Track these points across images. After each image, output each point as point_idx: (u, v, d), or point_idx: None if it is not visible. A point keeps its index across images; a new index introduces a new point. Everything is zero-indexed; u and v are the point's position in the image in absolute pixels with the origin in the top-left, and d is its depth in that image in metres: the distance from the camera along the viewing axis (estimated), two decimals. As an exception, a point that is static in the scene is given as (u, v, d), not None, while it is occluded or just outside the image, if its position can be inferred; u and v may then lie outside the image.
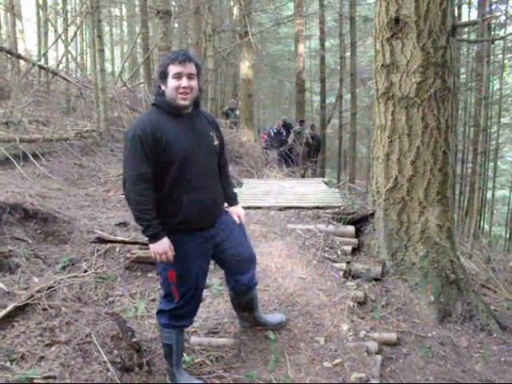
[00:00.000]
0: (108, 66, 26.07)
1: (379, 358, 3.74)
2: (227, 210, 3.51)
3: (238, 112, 16.09)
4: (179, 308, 3.21)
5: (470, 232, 9.01)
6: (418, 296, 4.58)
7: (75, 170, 7.63)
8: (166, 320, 3.26)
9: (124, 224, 5.69)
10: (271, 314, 4.04)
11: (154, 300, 4.52)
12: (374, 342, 3.91)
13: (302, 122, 14.81)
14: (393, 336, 4.03)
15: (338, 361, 3.67)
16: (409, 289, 4.67)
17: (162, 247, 2.95)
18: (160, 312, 3.31)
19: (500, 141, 19.80)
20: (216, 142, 3.22)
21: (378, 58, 5.01)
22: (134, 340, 3.61)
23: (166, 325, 3.28)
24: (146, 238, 3.01)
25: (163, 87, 3.00)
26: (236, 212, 3.50)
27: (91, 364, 3.16)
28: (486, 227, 17.42)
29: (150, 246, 2.98)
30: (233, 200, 3.56)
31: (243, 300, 3.68)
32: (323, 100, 19.97)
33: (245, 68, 15.41)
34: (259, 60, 21.85)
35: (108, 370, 3.17)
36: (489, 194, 18.72)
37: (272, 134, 13.88)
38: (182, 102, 2.97)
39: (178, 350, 3.36)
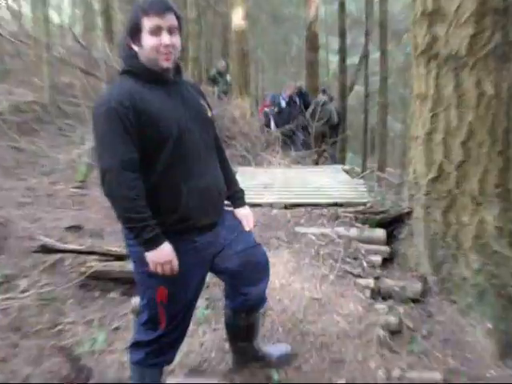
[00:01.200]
0: (53, 15, 25.99)
1: (419, 404, 3.76)
2: (231, 210, 3.52)
3: (228, 77, 16.01)
4: (164, 336, 3.18)
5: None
6: (470, 322, 4.56)
7: (10, 156, 7.62)
8: (142, 355, 3.23)
9: (77, 227, 5.70)
10: (273, 345, 4.06)
11: (117, 329, 4.54)
12: (411, 384, 3.92)
13: (325, 92, 14.47)
14: (437, 376, 4.03)
15: (363, 408, 3.70)
16: (458, 313, 4.66)
17: (165, 255, 2.88)
18: (135, 345, 3.27)
19: None
20: (210, 113, 3.24)
21: (416, 2, 4.99)
22: (90, 382, 3.62)
23: (141, 362, 3.25)
24: (141, 245, 2.89)
25: (135, 47, 2.96)
26: (245, 215, 3.52)
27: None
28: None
29: (148, 254, 2.87)
30: (238, 197, 3.59)
31: (245, 323, 3.65)
32: (343, 60, 19.90)
33: (238, 18, 15.33)
34: (257, 7, 21.77)
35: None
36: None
37: (281, 103, 13.27)
38: (165, 64, 2.93)
39: None
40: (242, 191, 3.62)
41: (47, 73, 9.34)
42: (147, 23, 2.85)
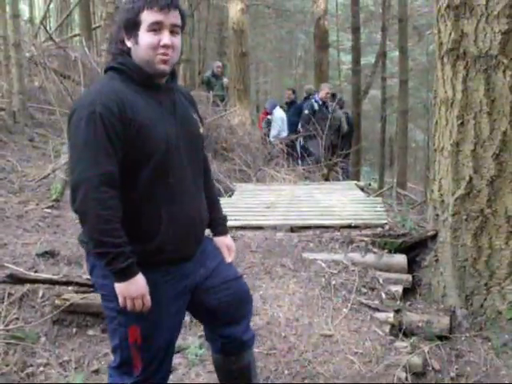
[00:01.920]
0: (24, 10, 26.11)
1: None
2: (212, 238, 3.45)
3: (225, 80, 15.99)
4: (141, 383, 3.10)
5: None
6: (507, 364, 4.53)
7: (-27, 171, 7.62)
8: None
9: (51, 254, 5.66)
10: None
11: (97, 371, 4.51)
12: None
13: (334, 97, 14.43)
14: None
15: None
16: (492, 352, 4.63)
17: (138, 288, 2.78)
18: None
19: None
20: (202, 129, 3.19)
21: (441, -6, 5.00)
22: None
23: None
24: (113, 275, 2.78)
25: (129, 43, 2.89)
26: (226, 244, 3.44)
27: None
28: None
29: (119, 286, 2.77)
30: (221, 225, 3.50)
31: (236, 366, 3.52)
32: (357, 60, 19.86)
33: (236, 12, 15.36)
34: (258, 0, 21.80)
35: None
36: None
37: (314, 105, 12.55)
38: (161, 67, 2.86)
39: None
40: (224, 218, 3.53)
41: (16, 75, 9.33)
42: (148, 18, 2.77)
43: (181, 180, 2.95)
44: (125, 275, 2.75)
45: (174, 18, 2.83)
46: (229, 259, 3.38)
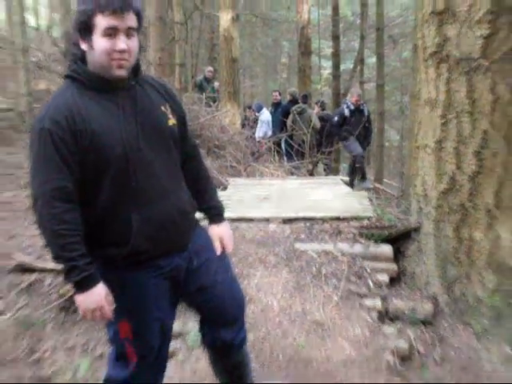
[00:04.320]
0: (31, 19, 25.88)
1: None
2: (205, 228, 3.19)
3: (216, 84, 15.91)
4: (137, 376, 2.92)
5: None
6: (487, 347, 4.42)
7: (-17, 167, 7.44)
8: None
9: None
10: None
11: (101, 356, 4.38)
12: (426, 415, 3.78)
13: (305, 98, 14.48)
14: (454, 411, 3.90)
15: None
16: (474, 337, 4.52)
17: (95, 300, 2.59)
18: (108, 382, 3.03)
19: None
20: (172, 121, 2.86)
21: (425, 1, 4.87)
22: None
23: None
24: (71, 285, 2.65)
25: (84, 46, 2.59)
26: (219, 234, 3.15)
27: None
28: None
29: (77, 297, 2.58)
30: (215, 213, 3.21)
31: (227, 364, 3.31)
32: (337, 66, 19.84)
33: (226, 21, 15.19)
34: (246, 9, 21.69)
35: None
36: None
37: (345, 111, 11.32)
38: (117, 73, 2.62)
39: None
40: (217, 206, 3.21)
41: (24, 79, 9.16)
42: (101, 22, 2.50)
43: (148, 180, 2.71)
44: (80, 287, 2.56)
45: (129, 20, 2.55)
46: (218, 251, 3.09)
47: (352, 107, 10.95)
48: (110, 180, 2.60)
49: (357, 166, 10.59)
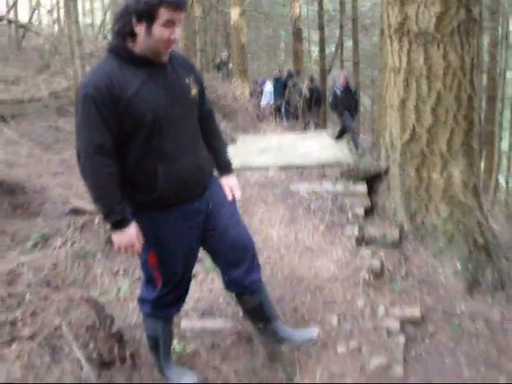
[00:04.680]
0: (87, 20, 25.32)
1: (402, 339, 3.36)
2: (218, 180, 2.92)
3: (230, 65, 15.63)
4: (163, 296, 2.75)
5: (490, 187, 8.57)
6: (442, 264, 4.16)
7: (50, 134, 7.15)
8: (149, 309, 2.82)
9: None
10: (300, 330, 3.24)
11: (139, 278, 4.14)
12: (394, 320, 3.52)
13: (298, 74, 14.76)
14: (416, 312, 3.63)
15: (354, 344, 3.30)
16: (431, 256, 4.24)
17: (128, 238, 2.46)
18: (141, 301, 2.87)
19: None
20: (194, 91, 2.62)
21: (389, -14, 4.48)
22: (114, 329, 3.21)
23: (149, 314, 2.85)
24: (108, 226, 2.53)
25: (139, 30, 2.33)
26: (228, 184, 2.89)
27: (61, 362, 2.79)
28: (501, 181, 16.83)
29: (113, 235, 2.48)
30: (224, 167, 2.95)
31: (250, 305, 2.99)
32: (322, 49, 19.36)
33: (235, 15, 14.77)
34: (251, 7, 21.14)
35: (82, 367, 2.79)
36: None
37: (336, 92, 10.93)
38: (165, 57, 2.44)
39: (165, 342, 2.95)
40: (228, 161, 2.96)
41: (79, 65, 8.79)
42: (164, 15, 2.29)
43: (173, 140, 2.51)
44: (115, 228, 2.45)
45: (181, 15, 2.37)
46: (229, 197, 2.85)
47: (341, 89, 10.73)
48: (142, 140, 2.42)
49: (350, 135, 10.61)
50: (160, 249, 2.61)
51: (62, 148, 6.76)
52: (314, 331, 3.14)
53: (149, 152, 2.45)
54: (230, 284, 2.89)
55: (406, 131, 4.52)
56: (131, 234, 2.46)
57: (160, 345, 2.93)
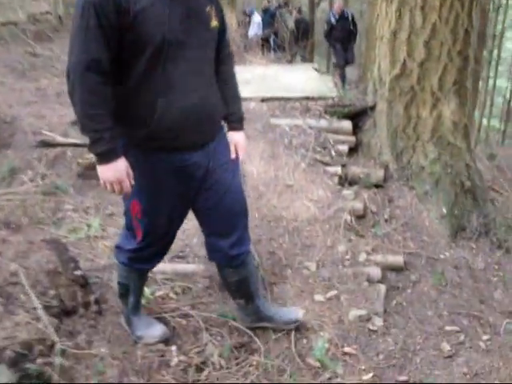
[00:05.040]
0: None
1: (383, 288, 3.07)
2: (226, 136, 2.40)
3: (220, -5, 14.80)
4: (142, 249, 2.32)
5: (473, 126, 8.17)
6: (427, 207, 3.84)
7: (26, 60, 6.56)
8: (124, 259, 2.41)
9: (78, 123, 4.78)
10: (284, 308, 2.85)
11: (111, 215, 3.81)
12: (376, 267, 3.21)
13: (286, 5, 13.77)
14: (399, 259, 3.32)
15: (332, 293, 3.01)
16: (416, 198, 3.91)
17: (116, 173, 1.98)
18: (118, 248, 2.44)
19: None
20: (214, 23, 2.14)
21: None
22: (77, 273, 2.84)
23: (124, 264, 2.44)
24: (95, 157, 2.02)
25: None
26: (235, 141, 2.37)
27: (15, 313, 2.42)
28: (483, 120, 16.40)
29: (99, 168, 2.00)
30: (235, 121, 2.40)
31: (233, 278, 2.51)
32: (312, -20, 18.31)
33: None
34: None
35: (39, 318, 2.44)
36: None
37: (331, 20, 9.94)
38: None
39: (136, 291, 2.56)
40: (241, 115, 2.43)
41: (61, -13, 8.08)
42: None
43: (181, 72, 2.02)
44: (103, 159, 1.96)
45: None
46: (233, 155, 2.33)
47: (337, 16, 9.73)
48: (144, 65, 1.96)
49: (337, 71, 9.82)
50: (145, 198, 2.16)
51: (38, 75, 6.20)
52: (298, 312, 2.74)
53: (151, 80, 1.99)
54: (213, 253, 2.43)
55: (396, 65, 4.11)
56: (120, 168, 1.99)
57: (130, 293, 2.55)
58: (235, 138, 2.37)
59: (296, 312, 2.73)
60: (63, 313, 2.63)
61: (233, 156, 2.34)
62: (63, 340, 2.42)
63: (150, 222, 2.22)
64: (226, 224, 2.33)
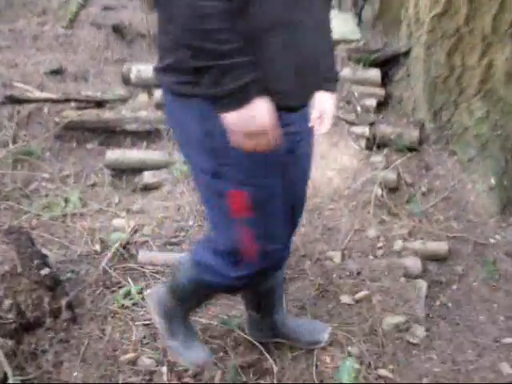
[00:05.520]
0: None
1: (424, 285, 2.53)
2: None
3: None
4: (250, 276, 1.54)
5: None
6: (472, 178, 3.26)
7: (3, -2, 5.83)
8: (210, 279, 1.64)
9: (58, 72, 4.18)
10: (304, 323, 2.25)
11: (93, 186, 3.30)
12: (415, 257, 2.64)
13: None
14: (443, 247, 2.76)
15: (362, 294, 2.45)
16: (459, 166, 3.32)
17: (258, 119, 1.24)
18: (203, 265, 1.65)
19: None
20: None
21: None
22: (44, 272, 2.31)
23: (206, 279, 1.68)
24: (218, 101, 1.24)
25: None
26: (323, 108, 1.68)
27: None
28: None
29: (230, 117, 1.24)
30: (332, 76, 1.71)
31: (260, 287, 1.89)
32: None
33: None
34: None
35: (-12, 340, 1.95)
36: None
37: None
38: None
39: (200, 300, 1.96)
40: (337, 71, 1.75)
41: None
42: None
43: (306, 7, 1.37)
44: (240, 99, 1.21)
45: None
46: (317, 131, 1.69)
47: None
48: None
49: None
50: (255, 179, 1.40)
51: (15, 16, 5.48)
52: (324, 330, 2.16)
53: (268, 8, 1.29)
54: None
55: (439, 1, 3.39)
56: (265, 109, 1.25)
57: (192, 299, 1.87)
58: (326, 104, 1.68)
59: (322, 330, 2.16)
60: (22, 328, 2.12)
61: (316, 132, 1.70)
62: (21, 368, 1.94)
63: (268, 219, 1.48)
64: (293, 218, 1.73)
